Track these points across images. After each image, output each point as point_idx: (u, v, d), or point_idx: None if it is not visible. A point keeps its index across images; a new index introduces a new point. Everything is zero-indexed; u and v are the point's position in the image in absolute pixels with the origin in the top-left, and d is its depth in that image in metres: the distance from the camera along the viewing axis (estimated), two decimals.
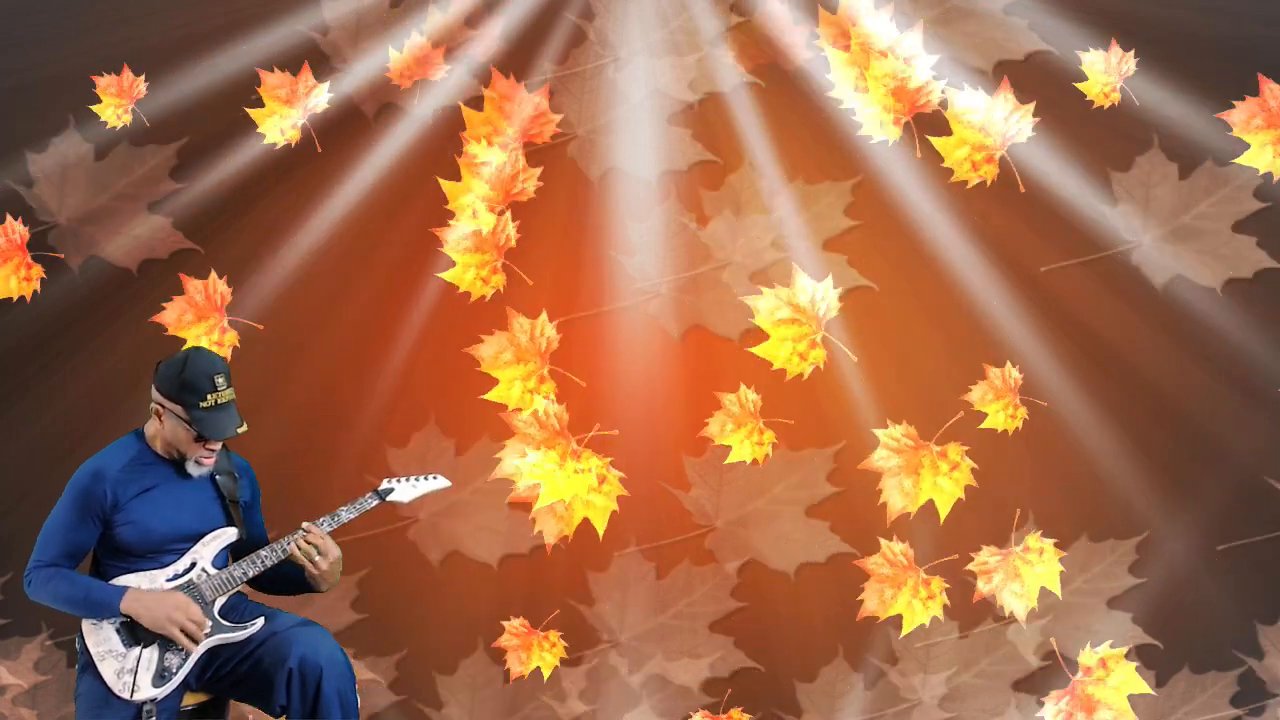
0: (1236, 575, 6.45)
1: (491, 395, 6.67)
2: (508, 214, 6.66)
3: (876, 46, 6.48)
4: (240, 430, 4.95)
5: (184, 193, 6.70)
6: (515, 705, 6.70)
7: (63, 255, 6.71)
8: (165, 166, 6.71)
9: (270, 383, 6.55)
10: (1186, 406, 6.47)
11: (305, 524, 5.04)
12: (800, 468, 6.63)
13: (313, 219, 6.66)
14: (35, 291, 6.70)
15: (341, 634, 6.53)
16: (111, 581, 4.92)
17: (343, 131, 6.67)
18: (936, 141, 6.52)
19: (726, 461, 6.63)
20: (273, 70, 6.63)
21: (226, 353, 6.62)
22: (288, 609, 5.09)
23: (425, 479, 5.28)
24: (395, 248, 6.69)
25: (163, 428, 4.96)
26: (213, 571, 4.98)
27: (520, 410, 6.64)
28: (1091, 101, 6.46)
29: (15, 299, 6.69)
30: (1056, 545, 6.54)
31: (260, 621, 4.96)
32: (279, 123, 6.63)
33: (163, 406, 4.94)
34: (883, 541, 6.57)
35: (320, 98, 6.62)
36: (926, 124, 6.54)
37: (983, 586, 6.56)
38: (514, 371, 6.65)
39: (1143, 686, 6.47)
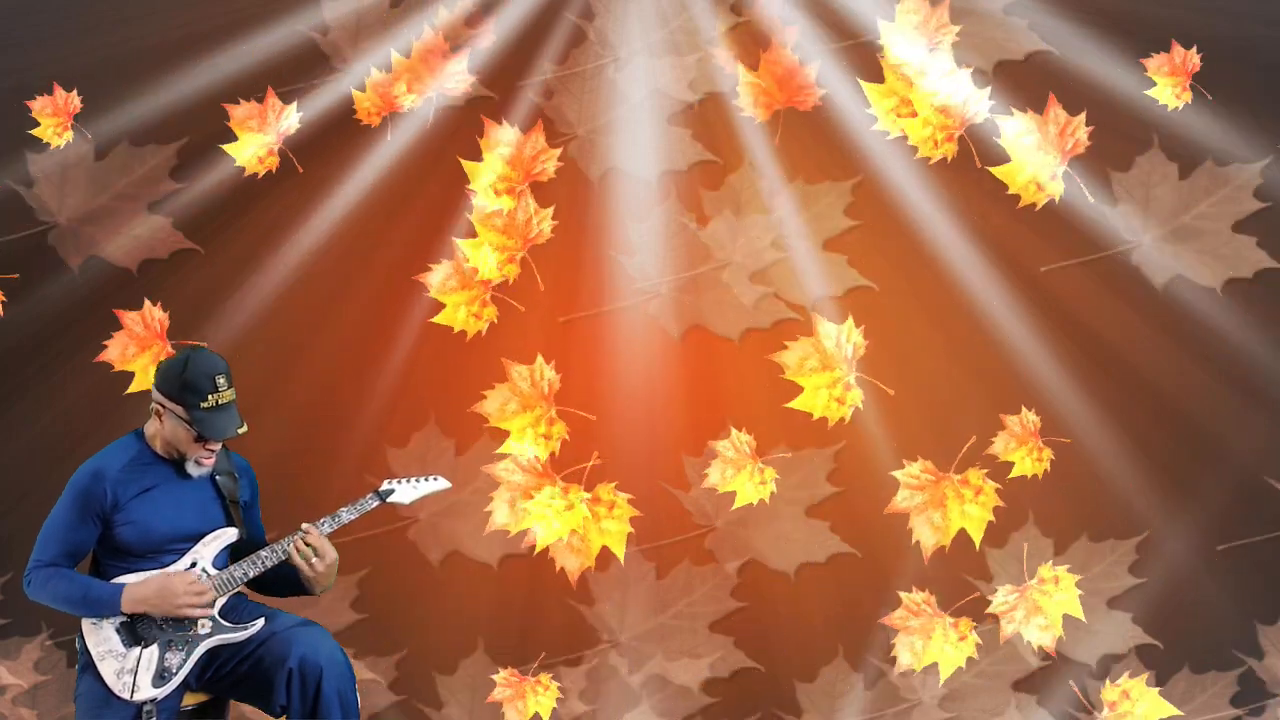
0: (1236, 575, 6.45)
1: (504, 449, 6.66)
2: (528, 195, 6.63)
3: (912, 69, 6.44)
4: (241, 431, 4.95)
5: (184, 193, 6.69)
6: None
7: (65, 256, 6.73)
8: (165, 166, 6.70)
9: (270, 383, 6.54)
10: (1186, 406, 6.47)
11: (305, 525, 5.04)
12: (800, 468, 6.63)
13: (313, 219, 6.65)
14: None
15: (341, 634, 6.52)
16: (111, 581, 4.92)
17: (342, 132, 6.67)
18: (997, 171, 6.48)
19: (734, 508, 6.61)
20: (239, 102, 6.59)
21: None
22: (288, 609, 5.09)
23: (426, 480, 5.27)
24: (395, 248, 6.69)
25: (163, 428, 4.96)
26: (213, 572, 4.98)
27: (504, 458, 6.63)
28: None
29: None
30: (1070, 570, 6.51)
31: (260, 622, 4.95)
32: (256, 151, 6.61)
33: (163, 406, 4.93)
34: (903, 595, 6.55)
35: (290, 119, 6.60)
36: (976, 136, 6.52)
37: (1007, 628, 6.51)
38: (523, 420, 6.63)
39: (1169, 709, 6.44)
